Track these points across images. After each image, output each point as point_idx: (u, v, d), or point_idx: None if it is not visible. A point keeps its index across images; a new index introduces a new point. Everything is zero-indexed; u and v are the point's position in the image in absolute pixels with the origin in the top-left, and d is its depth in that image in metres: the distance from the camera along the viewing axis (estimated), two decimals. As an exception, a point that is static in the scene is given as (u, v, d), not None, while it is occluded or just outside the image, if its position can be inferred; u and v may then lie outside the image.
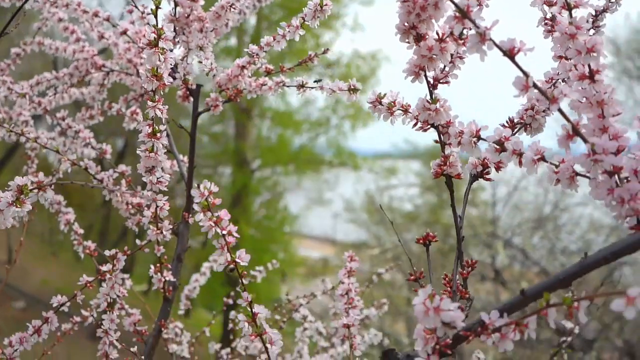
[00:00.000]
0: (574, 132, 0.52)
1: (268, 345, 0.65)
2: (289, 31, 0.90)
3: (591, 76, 0.54)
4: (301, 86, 0.96)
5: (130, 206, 1.04)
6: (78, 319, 1.14)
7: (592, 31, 0.72)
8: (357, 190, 10.34)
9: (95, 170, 1.03)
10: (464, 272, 0.64)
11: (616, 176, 0.53)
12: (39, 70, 1.30)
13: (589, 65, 0.54)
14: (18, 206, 0.68)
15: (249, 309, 0.65)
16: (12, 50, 1.36)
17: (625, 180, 0.52)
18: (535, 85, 0.51)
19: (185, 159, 1.13)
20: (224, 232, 0.63)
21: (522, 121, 0.69)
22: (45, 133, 1.24)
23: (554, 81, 0.70)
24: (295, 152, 12.05)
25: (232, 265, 0.64)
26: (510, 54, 0.51)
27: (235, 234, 0.63)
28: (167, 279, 0.98)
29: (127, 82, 1.20)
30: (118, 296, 0.99)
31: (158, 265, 0.97)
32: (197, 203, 0.62)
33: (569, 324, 1.12)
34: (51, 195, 0.68)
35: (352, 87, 0.85)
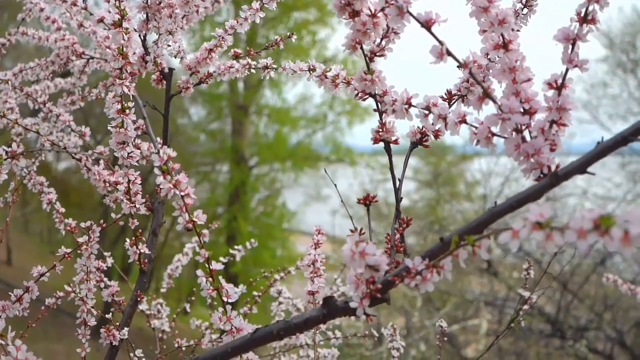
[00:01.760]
0: (485, 94, 0.58)
1: (224, 299, 0.71)
2: (250, 14, 0.96)
3: (505, 45, 0.60)
4: (265, 67, 1.02)
5: (107, 184, 1.09)
6: (61, 293, 1.20)
7: (525, 10, 0.78)
8: (352, 185, 10.38)
9: (74, 150, 1.09)
10: (401, 228, 0.70)
11: (527, 133, 0.59)
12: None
13: (502, 36, 0.60)
14: (-6, 175, 0.74)
15: (207, 266, 0.71)
16: (-2, 40, 1.41)
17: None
18: (448, 52, 0.57)
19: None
20: (183, 193, 0.69)
21: (459, 92, 0.75)
22: (30, 119, 1.29)
23: (489, 55, 0.76)
24: (293, 148, 12.11)
25: (189, 225, 0.70)
26: (427, 25, 0.57)
27: (193, 196, 0.69)
28: (142, 251, 1.04)
29: (107, 69, 1.25)
30: (97, 269, 1.05)
31: (134, 238, 1.03)
32: (156, 167, 0.68)
33: (526, 293, 1.17)
34: (24, 164, 0.74)
35: (311, 67, 0.91)
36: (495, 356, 5.94)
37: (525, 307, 1.13)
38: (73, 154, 1.08)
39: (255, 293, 1.40)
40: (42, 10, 1.27)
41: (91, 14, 1.18)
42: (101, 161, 1.11)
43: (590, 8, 0.58)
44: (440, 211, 9.13)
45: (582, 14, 0.58)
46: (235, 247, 1.53)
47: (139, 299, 1.06)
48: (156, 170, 0.69)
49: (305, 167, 12.24)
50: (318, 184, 12.88)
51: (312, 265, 1.03)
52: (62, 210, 1.18)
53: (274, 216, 12.06)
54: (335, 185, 0.93)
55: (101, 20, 1.12)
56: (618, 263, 6.42)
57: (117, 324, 1.02)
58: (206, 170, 11.97)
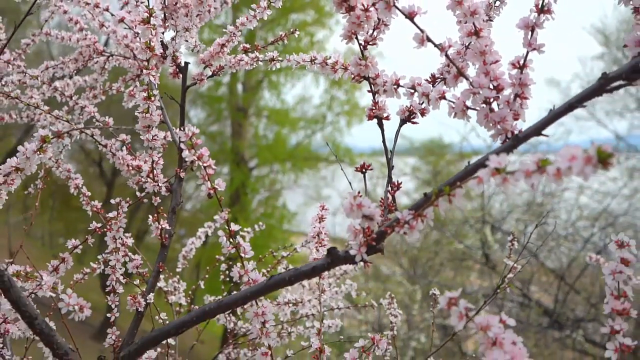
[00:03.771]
0: (459, 73, 0.70)
1: (242, 254, 0.83)
2: (258, 12, 1.08)
3: (476, 33, 0.72)
4: (272, 60, 1.14)
5: (130, 168, 1.21)
6: (87, 270, 1.32)
7: (497, 2, 0.89)
8: (352, 182, 10.44)
9: (100, 138, 1.21)
10: (392, 191, 0.81)
11: (496, 105, 0.71)
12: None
13: (474, 24, 0.72)
14: (41, 153, 0.86)
15: (227, 227, 0.83)
16: (22, 41, 1.53)
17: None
18: (428, 39, 0.69)
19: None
20: (205, 164, 0.81)
21: (441, 76, 0.87)
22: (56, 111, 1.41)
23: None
24: (292, 149, 12.22)
25: (212, 191, 0.82)
26: (410, 16, 0.69)
27: (214, 167, 0.81)
28: (163, 227, 1.16)
29: (125, 65, 1.37)
30: (122, 244, 1.17)
31: (156, 215, 1.15)
32: (182, 142, 0.79)
33: (509, 261, 1.29)
34: (69, 142, 0.86)
35: (313, 57, 1.02)
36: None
37: (510, 275, 1.24)
38: (99, 141, 1.20)
39: (263, 270, 1.52)
40: (65, 12, 1.39)
41: (112, 15, 1.31)
42: (124, 148, 1.23)
43: (546, 1, 0.70)
44: (438, 210, 9.22)
45: (539, 6, 0.70)
46: (245, 229, 1.65)
47: (160, 270, 1.18)
48: (182, 145, 0.81)
49: (305, 168, 12.36)
50: (318, 185, 12.98)
51: (317, 237, 1.15)
52: (88, 193, 1.30)
53: (275, 217, 12.15)
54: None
55: (122, 21, 1.24)
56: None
57: (142, 291, 1.14)
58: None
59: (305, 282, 1.60)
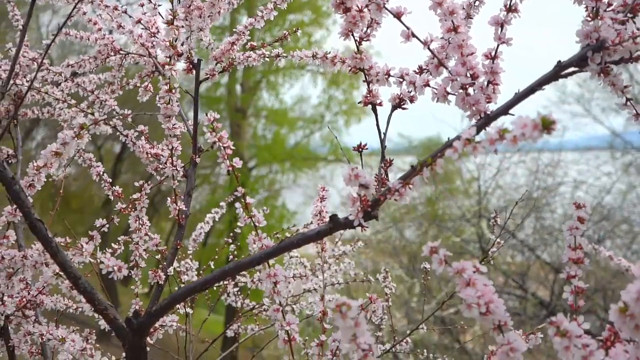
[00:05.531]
0: (439, 63, 0.82)
1: (257, 224, 0.96)
2: (265, 13, 1.20)
3: (455, 29, 0.85)
4: (277, 56, 1.26)
5: (149, 155, 1.34)
6: (110, 250, 1.44)
7: (477, 2, 1.02)
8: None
9: (120, 128, 1.34)
10: (385, 167, 0.94)
11: (471, 90, 0.84)
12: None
13: (453, 22, 0.85)
14: (79, 139, 0.99)
15: (244, 201, 0.96)
16: (44, 42, 1.65)
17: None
18: (413, 35, 0.81)
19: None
20: (225, 145, 0.93)
21: (426, 67, 0.99)
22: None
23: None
24: (291, 149, 12.34)
25: (230, 168, 0.94)
26: (398, 16, 0.82)
27: (232, 147, 0.94)
28: (180, 208, 1.29)
29: (141, 62, 1.50)
30: (142, 225, 1.29)
31: (174, 197, 1.28)
32: (205, 126, 0.92)
33: (492, 237, 1.42)
34: (105, 129, 0.98)
35: (314, 54, 1.15)
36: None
37: (494, 249, 1.37)
38: (121, 132, 1.33)
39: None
40: (85, 13, 1.52)
41: (130, 17, 1.43)
42: (142, 137, 1.36)
43: (514, 1, 0.83)
44: (439, 208, 9.36)
45: (508, 6, 0.83)
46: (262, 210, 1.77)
47: (178, 247, 1.30)
48: (205, 129, 0.93)
49: (304, 167, 12.48)
50: (317, 184, 13.06)
51: (318, 215, 1.27)
52: (110, 180, 1.42)
53: (274, 217, 12.26)
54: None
55: (139, 22, 1.37)
56: (610, 248, 6.67)
57: (162, 265, 1.27)
58: (206, 173, 12.18)
59: (306, 263, 1.73)
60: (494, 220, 1.42)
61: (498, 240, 1.37)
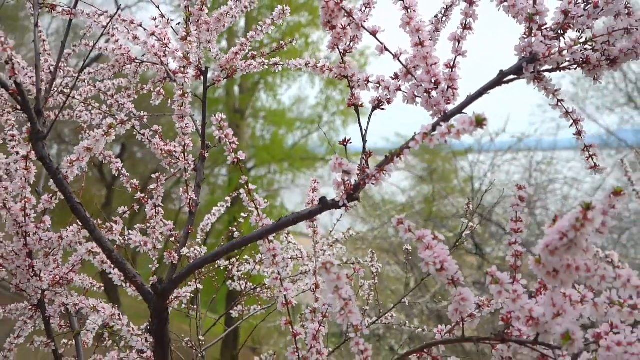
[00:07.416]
0: (407, 72, 1.01)
1: (258, 206, 1.14)
2: (264, 27, 1.39)
3: (421, 43, 1.03)
4: (275, 64, 1.45)
5: (163, 152, 1.52)
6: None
7: (444, 18, 1.20)
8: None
9: (138, 128, 1.52)
10: (366, 157, 1.12)
11: (434, 93, 1.03)
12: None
13: (419, 37, 1.03)
14: (107, 136, 1.17)
15: (247, 187, 1.14)
16: (65, 51, 1.84)
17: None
18: (386, 48, 1.00)
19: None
20: (230, 141, 1.12)
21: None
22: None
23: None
24: (289, 149, 12.52)
25: (235, 160, 1.13)
26: (373, 33, 1.00)
27: (236, 142, 1.12)
28: (191, 197, 1.47)
29: (154, 70, 1.68)
30: (157, 213, 1.47)
31: (185, 187, 1.46)
32: (215, 124, 1.10)
33: (465, 220, 1.60)
34: (129, 126, 1.17)
35: (307, 62, 1.34)
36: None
37: (467, 232, 1.55)
38: (139, 131, 1.51)
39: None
40: (104, 27, 1.70)
41: (145, 30, 1.61)
42: (157, 136, 1.54)
43: (468, 20, 1.01)
44: (436, 206, 9.54)
45: (464, 24, 1.02)
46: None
47: (189, 232, 1.49)
48: (214, 127, 1.12)
49: (302, 167, 12.65)
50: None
51: (310, 204, 1.46)
52: (128, 174, 1.60)
53: (273, 216, 12.35)
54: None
55: (152, 34, 1.55)
56: (604, 247, 6.86)
57: (176, 247, 1.45)
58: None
59: (303, 250, 1.91)
60: (466, 207, 1.60)
61: (471, 224, 1.55)
